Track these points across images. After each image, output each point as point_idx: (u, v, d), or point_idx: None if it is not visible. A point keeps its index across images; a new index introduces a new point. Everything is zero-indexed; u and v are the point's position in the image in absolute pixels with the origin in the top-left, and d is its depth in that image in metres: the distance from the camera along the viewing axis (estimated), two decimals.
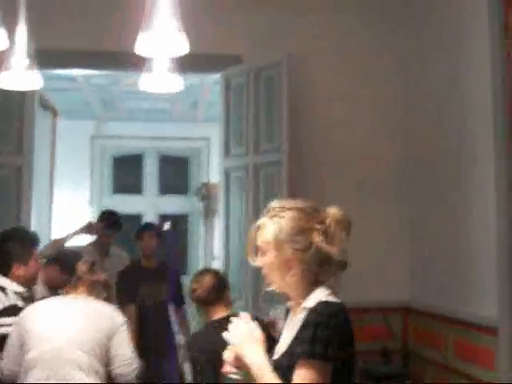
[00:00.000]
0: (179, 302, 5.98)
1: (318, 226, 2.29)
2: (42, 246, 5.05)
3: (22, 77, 3.72)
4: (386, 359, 5.43)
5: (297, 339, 2.20)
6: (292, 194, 5.23)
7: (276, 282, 2.34)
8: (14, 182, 5.45)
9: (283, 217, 2.30)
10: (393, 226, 5.69)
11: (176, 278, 6.01)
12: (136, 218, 9.61)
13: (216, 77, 6.15)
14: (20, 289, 3.80)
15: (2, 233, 4.08)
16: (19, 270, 3.81)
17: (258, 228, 2.35)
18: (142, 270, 5.81)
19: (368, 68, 5.77)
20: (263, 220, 2.35)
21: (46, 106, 8.09)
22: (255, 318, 2.41)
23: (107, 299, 3.75)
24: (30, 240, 4.01)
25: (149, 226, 6.35)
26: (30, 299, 3.86)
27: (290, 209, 2.32)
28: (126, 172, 10.37)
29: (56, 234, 8.35)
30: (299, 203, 2.36)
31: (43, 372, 3.31)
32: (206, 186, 9.27)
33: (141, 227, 6.11)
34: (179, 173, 10.42)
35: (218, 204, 6.42)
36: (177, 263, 6.00)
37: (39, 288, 4.59)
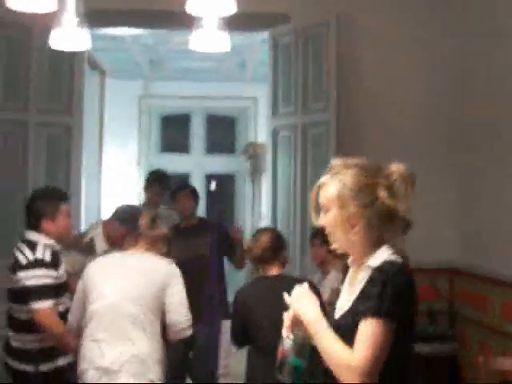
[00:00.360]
0: (226, 255, 5.59)
1: (383, 182, 2.24)
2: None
3: (73, 37, 3.76)
4: (432, 320, 5.43)
5: (361, 297, 2.18)
6: (339, 155, 5.21)
7: (339, 240, 2.29)
8: (65, 141, 5.53)
9: (346, 173, 2.24)
10: (444, 187, 5.64)
11: (219, 232, 5.53)
12: (183, 177, 9.67)
13: (265, 36, 6.14)
14: (50, 241, 3.92)
15: (33, 192, 4.23)
16: (48, 225, 3.92)
17: (320, 186, 2.31)
18: (180, 229, 5.41)
19: (419, 29, 5.68)
20: (325, 178, 2.29)
21: (94, 66, 8.18)
22: (308, 282, 2.41)
23: (168, 253, 3.83)
24: (58, 197, 4.11)
25: (183, 186, 6.10)
26: (59, 253, 4.00)
27: (352, 166, 2.27)
28: (173, 131, 10.41)
29: (105, 192, 8.52)
30: (362, 160, 2.31)
31: (100, 325, 3.46)
32: (253, 145, 9.26)
33: (175, 188, 5.83)
34: (226, 132, 10.42)
35: (266, 164, 6.44)
36: (221, 220, 5.76)
37: (100, 243, 4.77)
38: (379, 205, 2.22)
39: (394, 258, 2.20)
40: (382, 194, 2.22)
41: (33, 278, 3.76)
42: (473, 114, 5.44)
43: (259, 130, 9.44)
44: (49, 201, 4.00)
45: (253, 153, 9.15)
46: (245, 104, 10.05)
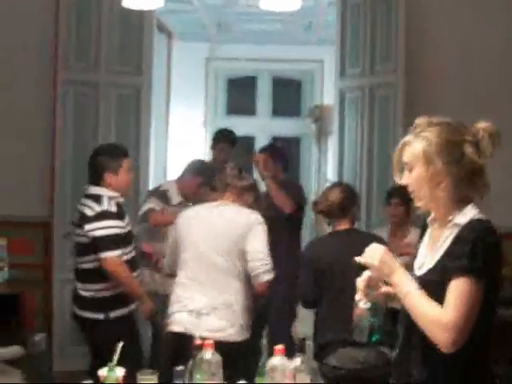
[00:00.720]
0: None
1: (470, 138, 2.23)
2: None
3: None
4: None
5: (449, 255, 2.18)
6: (407, 116, 5.18)
7: (424, 198, 2.28)
8: (134, 101, 5.63)
9: (431, 131, 2.24)
10: (508, 148, 5.52)
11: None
12: (249, 139, 9.71)
13: None
14: (114, 194, 4.06)
15: (95, 148, 4.32)
16: (111, 179, 4.05)
17: (404, 145, 2.30)
18: None
19: None
20: (409, 136, 2.29)
21: (162, 28, 8.24)
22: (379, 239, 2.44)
23: (255, 202, 3.92)
24: (120, 152, 4.21)
25: (263, 147, 5.95)
26: (123, 205, 4.17)
27: (437, 124, 2.26)
28: (239, 94, 10.42)
29: (171, 153, 8.63)
30: (446, 119, 2.30)
31: (192, 273, 3.69)
32: (320, 107, 9.21)
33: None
34: (292, 95, 10.38)
35: (332, 126, 6.43)
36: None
37: (175, 197, 5.02)
38: (466, 162, 2.21)
39: (481, 216, 2.20)
40: (469, 150, 2.22)
41: (101, 228, 3.92)
42: None
43: (325, 92, 9.38)
44: (111, 155, 4.11)
45: (319, 115, 9.11)
46: (311, 67, 9.99)
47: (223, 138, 5.91)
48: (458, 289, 2.10)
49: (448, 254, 2.18)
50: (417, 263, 2.33)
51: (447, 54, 5.52)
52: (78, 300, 4.10)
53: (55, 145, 5.41)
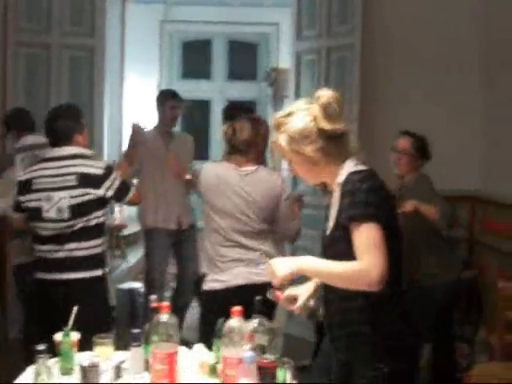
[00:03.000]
0: None
1: (319, 113, 2.38)
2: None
3: None
4: (451, 247, 5.45)
5: (339, 211, 2.39)
6: (363, 79, 5.18)
7: (311, 177, 2.52)
8: (87, 63, 5.53)
9: (287, 124, 2.41)
10: (469, 116, 5.59)
11: None
12: (204, 103, 9.65)
13: None
14: (91, 152, 4.02)
15: (56, 110, 4.11)
16: (79, 140, 3.96)
17: (275, 145, 2.49)
18: None
19: None
20: (273, 137, 2.49)
21: None
22: None
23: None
24: (81, 114, 4.11)
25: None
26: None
27: (290, 114, 2.43)
28: (194, 57, 10.34)
29: (126, 116, 8.52)
30: (295, 105, 2.46)
31: (225, 235, 3.76)
32: (276, 71, 9.16)
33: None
34: (248, 59, 10.34)
35: (288, 89, 6.40)
36: None
37: None
38: (325, 133, 2.39)
39: (357, 168, 2.39)
40: (323, 124, 2.38)
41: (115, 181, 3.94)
42: (501, 40, 5.35)
43: (281, 56, 9.35)
44: (76, 117, 4.02)
45: (275, 78, 9.07)
46: (267, 30, 9.95)
47: (172, 96, 5.66)
48: (356, 237, 2.30)
49: (339, 211, 2.39)
50: (326, 226, 2.52)
51: (404, 15, 5.50)
52: (69, 262, 3.89)
53: (6, 106, 5.29)
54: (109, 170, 3.88)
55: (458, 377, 4.29)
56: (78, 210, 3.84)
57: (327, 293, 2.51)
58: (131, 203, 4.22)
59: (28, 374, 2.53)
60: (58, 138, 3.95)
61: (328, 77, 5.44)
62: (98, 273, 3.89)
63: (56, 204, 3.84)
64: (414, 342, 2.47)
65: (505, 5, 5.26)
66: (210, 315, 3.62)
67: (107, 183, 3.85)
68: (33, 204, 3.85)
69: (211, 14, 9.53)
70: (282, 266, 2.43)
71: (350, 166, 2.41)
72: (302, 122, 2.39)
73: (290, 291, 2.71)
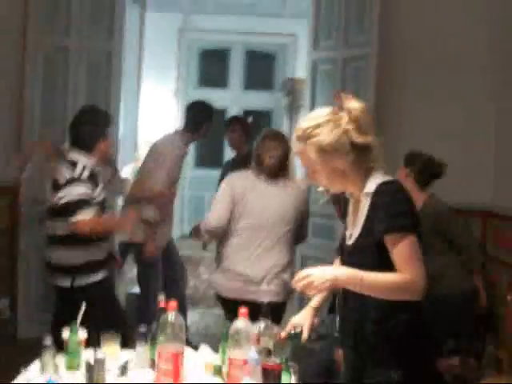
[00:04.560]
0: None
1: (349, 126, 2.39)
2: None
3: None
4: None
5: (369, 220, 2.38)
6: (379, 89, 5.19)
7: (336, 186, 2.51)
8: (105, 67, 5.56)
9: (317, 135, 2.40)
10: (481, 129, 5.58)
11: None
12: (220, 112, 9.67)
13: None
14: (90, 162, 4.04)
15: (82, 113, 4.26)
16: (102, 146, 4.11)
17: (298, 155, 2.50)
18: (233, 161, 5.95)
19: None
20: (298, 146, 2.47)
21: None
22: None
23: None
24: (104, 120, 4.23)
25: (234, 118, 6.31)
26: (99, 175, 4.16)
27: (317, 126, 2.41)
28: (212, 66, 10.38)
29: (142, 122, 8.55)
30: (322, 114, 2.44)
31: (246, 237, 3.96)
32: (292, 80, 9.20)
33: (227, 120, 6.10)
34: (265, 68, 10.37)
35: (304, 99, 6.42)
36: None
37: None
38: (355, 146, 2.39)
39: (386, 178, 2.41)
40: (353, 135, 2.38)
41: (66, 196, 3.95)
42: None
43: (298, 67, 9.38)
44: (101, 122, 4.17)
45: (291, 88, 9.10)
46: (284, 40, 9.98)
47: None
48: (397, 248, 2.30)
49: (369, 221, 2.39)
50: (347, 235, 2.53)
51: (421, 26, 5.51)
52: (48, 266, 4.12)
53: (24, 109, 5.33)
54: (70, 182, 3.94)
55: None
56: (49, 213, 4.09)
57: (346, 301, 2.52)
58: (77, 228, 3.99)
59: (34, 367, 2.55)
60: (75, 143, 4.06)
61: (344, 87, 5.45)
62: (67, 284, 4.01)
63: None
64: (429, 351, 2.47)
65: None
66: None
67: (62, 193, 3.95)
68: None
69: (230, 23, 9.57)
70: (321, 276, 2.32)
71: (378, 177, 2.42)
72: (333, 135, 2.39)
73: (290, 323, 2.82)
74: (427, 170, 4.37)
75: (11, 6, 5.41)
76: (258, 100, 10.09)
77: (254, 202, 3.94)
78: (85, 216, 3.92)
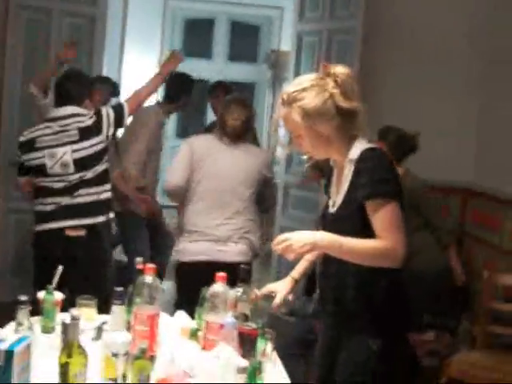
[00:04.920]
0: None
1: (335, 90, 2.38)
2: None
3: None
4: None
5: (353, 187, 2.38)
6: (363, 62, 5.18)
7: (320, 152, 2.50)
8: (88, 31, 5.49)
9: (302, 99, 2.38)
10: (462, 109, 5.59)
11: None
12: (204, 82, 9.60)
13: None
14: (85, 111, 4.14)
15: (68, 72, 4.36)
16: (88, 104, 4.22)
17: (283, 119, 2.46)
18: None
19: None
20: (283, 110, 2.43)
21: None
22: None
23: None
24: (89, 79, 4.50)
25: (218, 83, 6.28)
26: None
27: (304, 89, 2.39)
28: (196, 36, 10.31)
29: (124, 92, 8.47)
30: (307, 79, 2.44)
31: (208, 201, 3.96)
32: (276, 53, 9.18)
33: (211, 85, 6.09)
34: (250, 40, 10.31)
35: (288, 72, 6.39)
36: None
37: None
38: (340, 110, 2.38)
39: (370, 145, 2.41)
40: (339, 99, 2.37)
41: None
42: (500, 42, 5.34)
43: (283, 39, 9.34)
44: (87, 83, 4.32)
45: (275, 61, 9.07)
46: (270, 13, 9.93)
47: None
48: (378, 214, 2.32)
49: (352, 187, 2.39)
50: (330, 202, 2.53)
51: (408, 3, 5.49)
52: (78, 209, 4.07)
53: (4, 71, 5.26)
54: (98, 113, 4.06)
55: (438, 365, 4.30)
56: (83, 163, 4.02)
57: (326, 268, 2.52)
58: (132, 111, 4.25)
59: (9, 327, 2.53)
60: (69, 98, 4.06)
61: (328, 60, 5.39)
62: (102, 218, 4.09)
63: (60, 159, 3.92)
64: (406, 323, 2.51)
65: (508, 9, 5.26)
66: (184, 286, 3.94)
67: (104, 124, 4.04)
68: (36, 162, 4.03)
69: None
70: (300, 240, 2.33)
71: (362, 144, 2.42)
72: (319, 99, 2.37)
73: (268, 287, 2.79)
74: (401, 144, 4.39)
75: None
76: (241, 72, 10.04)
77: (215, 164, 3.96)
78: None
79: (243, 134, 4.02)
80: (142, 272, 2.62)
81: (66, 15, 5.41)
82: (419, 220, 4.49)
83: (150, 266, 2.59)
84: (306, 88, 2.40)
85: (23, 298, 2.26)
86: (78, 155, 4.01)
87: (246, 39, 10.35)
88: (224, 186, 3.94)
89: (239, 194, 3.97)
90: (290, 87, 2.46)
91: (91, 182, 4.06)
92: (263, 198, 4.16)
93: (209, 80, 9.94)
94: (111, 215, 4.17)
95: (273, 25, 9.96)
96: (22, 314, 2.24)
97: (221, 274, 2.62)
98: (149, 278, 2.56)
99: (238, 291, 2.66)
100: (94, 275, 4.00)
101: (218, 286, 2.60)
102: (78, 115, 4.04)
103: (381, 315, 2.41)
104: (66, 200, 4.02)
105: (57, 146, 4.01)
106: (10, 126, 5.30)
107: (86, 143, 4.01)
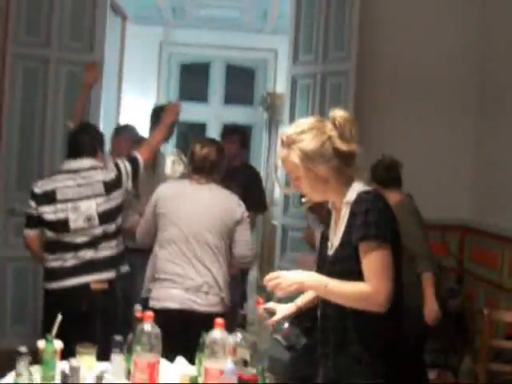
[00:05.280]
0: None
1: (333, 133, 2.43)
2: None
3: None
4: (441, 275, 5.45)
5: (348, 229, 2.41)
6: (357, 105, 5.22)
7: (317, 194, 2.52)
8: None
9: (301, 141, 2.42)
10: (458, 145, 5.64)
11: None
12: (200, 126, 9.70)
13: None
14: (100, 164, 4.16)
15: (88, 126, 4.39)
16: (99, 156, 4.15)
17: (282, 160, 2.50)
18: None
19: None
20: (283, 152, 2.48)
21: (116, 10, 8.15)
22: None
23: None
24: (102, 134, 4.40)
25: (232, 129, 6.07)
26: None
27: (302, 132, 2.44)
28: (192, 80, 10.40)
29: None
30: (306, 122, 2.48)
31: (174, 248, 3.80)
32: (271, 95, 9.25)
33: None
34: (245, 83, 10.41)
35: (283, 114, 6.44)
36: None
37: None
38: (338, 153, 2.42)
39: (366, 188, 2.45)
40: (337, 142, 2.41)
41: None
42: (492, 77, 5.41)
43: (278, 82, 9.43)
44: (100, 136, 4.28)
45: (270, 103, 9.15)
46: (265, 56, 10.03)
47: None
48: (368, 257, 2.34)
49: (347, 230, 2.42)
50: (329, 245, 2.54)
51: (400, 42, 5.58)
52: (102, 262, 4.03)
53: (2, 120, 5.30)
54: (116, 166, 4.11)
55: None
56: (107, 216, 4.00)
57: (325, 309, 2.52)
58: (145, 161, 4.26)
59: (10, 376, 2.53)
60: (84, 150, 4.06)
61: (323, 102, 5.48)
62: (123, 269, 4.10)
63: (84, 213, 3.92)
64: (407, 365, 2.48)
65: (498, 39, 5.34)
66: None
67: (124, 178, 4.09)
68: (59, 215, 3.94)
69: (210, 37, 9.61)
70: (289, 278, 2.42)
71: (358, 186, 2.45)
72: (317, 141, 2.42)
73: (272, 304, 2.77)
74: (378, 169, 4.38)
75: None
76: (238, 114, 10.12)
77: (178, 210, 3.84)
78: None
79: (210, 174, 3.92)
80: (140, 320, 2.63)
81: (64, 63, 5.44)
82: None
83: (149, 313, 2.60)
84: (305, 130, 2.44)
85: (23, 349, 2.27)
86: (102, 209, 3.98)
87: (242, 82, 10.45)
88: (187, 233, 3.79)
89: (205, 241, 3.80)
90: (289, 129, 2.50)
91: (113, 234, 4.04)
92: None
93: (205, 124, 10.07)
94: (127, 267, 4.16)
95: (268, 67, 10.06)
96: (22, 365, 2.25)
97: (219, 321, 2.63)
98: (148, 326, 2.57)
99: (237, 337, 2.66)
100: (115, 322, 3.99)
101: (217, 333, 2.60)
102: (99, 168, 4.04)
103: (381, 358, 2.40)
104: (89, 254, 3.95)
105: (81, 199, 3.96)
106: (8, 173, 5.31)
107: (110, 197, 4.01)
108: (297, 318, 2.82)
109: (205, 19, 9.32)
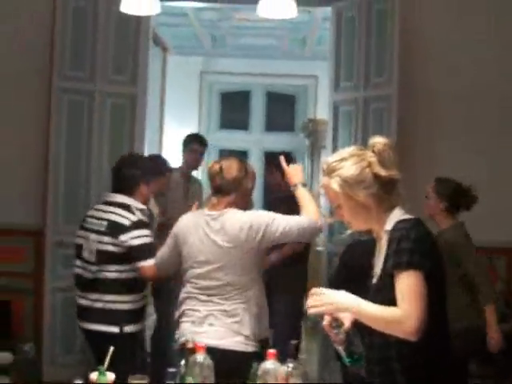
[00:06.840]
0: None
1: (373, 159, 2.43)
2: None
3: (141, 2, 3.84)
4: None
5: (386, 258, 2.40)
6: (401, 129, 5.20)
7: (360, 223, 2.53)
8: (129, 110, 5.61)
9: (341, 168, 2.45)
10: (505, 164, 5.57)
11: None
12: (242, 154, 9.73)
13: (326, 13, 6.13)
14: (143, 206, 4.09)
15: (124, 159, 4.31)
16: (143, 190, 4.12)
17: (324, 188, 2.52)
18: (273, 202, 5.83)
19: (490, 6, 5.58)
20: (324, 179, 2.51)
21: (157, 41, 8.27)
22: None
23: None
24: (145, 164, 4.31)
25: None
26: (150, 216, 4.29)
27: (343, 159, 2.47)
28: (233, 108, 10.48)
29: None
30: (346, 151, 2.51)
31: (198, 286, 3.47)
32: (313, 122, 9.25)
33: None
34: (286, 110, 10.46)
35: (325, 140, 6.45)
36: None
37: None
38: (379, 180, 2.43)
39: (405, 216, 2.43)
40: (377, 169, 2.42)
41: (138, 237, 3.89)
42: None
43: (319, 108, 9.44)
44: (143, 167, 4.18)
45: (312, 130, 9.15)
46: (305, 82, 10.07)
47: (195, 139, 6.28)
48: (399, 285, 2.31)
49: (386, 258, 2.41)
50: (374, 273, 2.54)
51: (441, 67, 5.55)
52: (90, 313, 3.98)
53: (48, 153, 5.39)
54: (137, 225, 3.91)
55: None
56: (102, 257, 3.93)
57: (370, 339, 2.50)
58: (143, 273, 3.91)
59: None
60: (122, 186, 4.08)
61: (365, 128, 5.47)
62: (115, 330, 3.87)
63: (89, 245, 3.96)
64: None
65: None
66: None
67: (131, 234, 3.88)
68: (78, 240, 4.09)
69: (250, 65, 9.69)
70: (325, 298, 2.39)
71: (398, 214, 2.45)
72: (356, 167, 2.43)
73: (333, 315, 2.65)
74: (456, 196, 4.38)
75: (36, 50, 5.52)
76: (279, 142, 10.14)
77: (191, 246, 3.49)
78: (151, 260, 3.85)
79: (227, 187, 3.44)
80: (192, 351, 2.64)
81: (108, 96, 5.53)
82: (457, 274, 4.31)
83: (201, 344, 2.61)
84: (345, 158, 2.47)
85: (78, 381, 2.29)
86: (100, 247, 3.94)
87: (282, 109, 10.49)
88: (199, 271, 3.47)
89: (217, 279, 3.42)
90: (330, 158, 2.53)
91: (111, 281, 3.98)
92: None
93: (247, 151, 10.10)
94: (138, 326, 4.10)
95: (308, 93, 10.10)
96: None
97: (271, 351, 2.62)
98: (200, 357, 2.57)
99: (289, 366, 2.65)
100: None
101: (269, 363, 2.60)
102: (125, 207, 3.97)
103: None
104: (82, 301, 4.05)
105: (91, 230, 4.00)
106: (55, 207, 5.39)
107: (108, 238, 3.92)
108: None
109: (244, 47, 9.42)
